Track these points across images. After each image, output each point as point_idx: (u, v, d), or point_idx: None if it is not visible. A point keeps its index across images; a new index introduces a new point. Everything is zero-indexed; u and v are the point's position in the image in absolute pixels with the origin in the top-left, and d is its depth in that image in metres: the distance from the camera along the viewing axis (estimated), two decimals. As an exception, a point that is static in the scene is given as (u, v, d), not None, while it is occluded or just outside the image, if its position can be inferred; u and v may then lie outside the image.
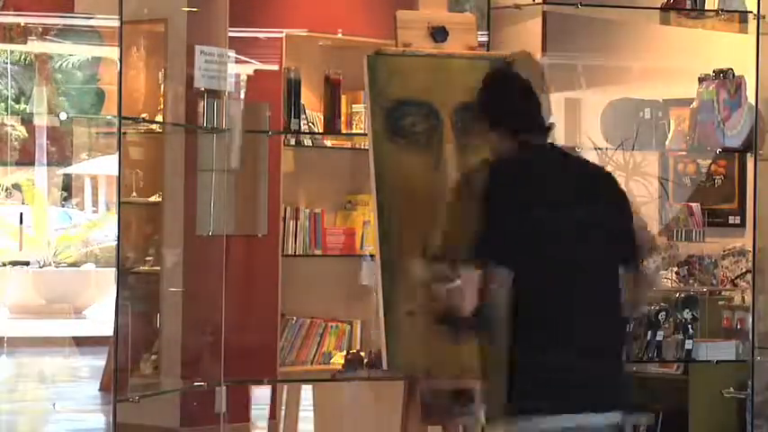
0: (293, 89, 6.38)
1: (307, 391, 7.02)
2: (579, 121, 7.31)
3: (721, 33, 6.41)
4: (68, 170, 19.98)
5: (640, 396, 6.72)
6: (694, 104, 6.31)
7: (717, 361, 5.98)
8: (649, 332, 5.83)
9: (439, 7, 6.71)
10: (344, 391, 6.87)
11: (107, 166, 15.06)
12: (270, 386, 6.81)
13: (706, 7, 6.27)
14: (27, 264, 15.29)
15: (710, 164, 7.18)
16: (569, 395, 3.65)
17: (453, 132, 4.73)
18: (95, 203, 20.38)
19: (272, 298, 6.49)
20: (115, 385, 6.05)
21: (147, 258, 6.84)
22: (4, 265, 14.90)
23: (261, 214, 6.47)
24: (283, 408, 6.99)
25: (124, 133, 6.27)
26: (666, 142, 6.57)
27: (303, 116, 6.47)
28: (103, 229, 16.85)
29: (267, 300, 6.50)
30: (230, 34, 6.36)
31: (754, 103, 6.20)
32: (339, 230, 6.71)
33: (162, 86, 6.67)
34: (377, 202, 4.63)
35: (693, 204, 6.54)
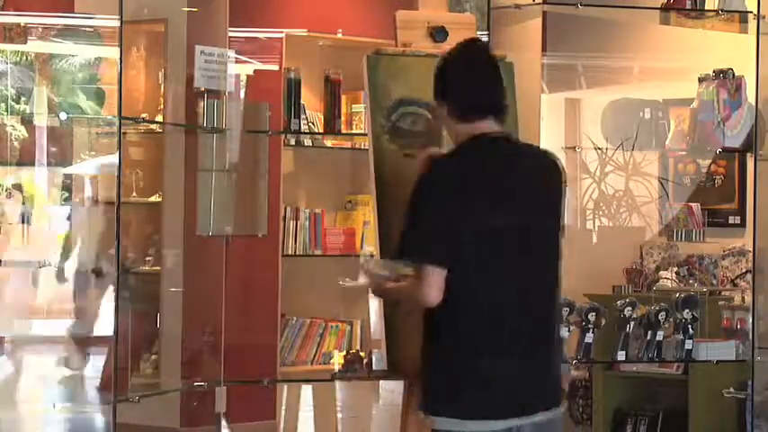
0: (293, 89, 6.38)
1: (307, 391, 7.02)
2: (579, 121, 7.31)
3: (721, 33, 6.40)
4: (68, 170, 19.96)
5: (640, 396, 6.76)
6: (694, 104, 6.31)
7: (717, 361, 5.98)
8: (649, 332, 5.83)
9: (439, 7, 6.70)
10: (344, 391, 6.88)
11: (107, 166, 15.03)
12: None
13: (706, 7, 6.27)
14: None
15: (710, 164, 7.18)
16: (519, 398, 3.65)
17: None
18: (96, 204, 20.35)
19: (272, 298, 6.49)
20: (115, 385, 6.05)
21: (147, 258, 6.84)
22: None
23: (261, 214, 6.47)
24: (283, 408, 7.00)
25: (124, 133, 6.26)
26: (666, 142, 6.57)
27: (303, 116, 6.48)
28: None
29: (267, 300, 6.50)
30: (230, 34, 6.36)
31: (754, 103, 6.20)
32: (339, 230, 6.71)
33: (162, 86, 6.68)
34: (377, 202, 4.63)
35: (693, 204, 6.54)
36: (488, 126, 3.75)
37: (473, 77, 3.79)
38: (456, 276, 3.63)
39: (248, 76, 6.87)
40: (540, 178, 3.78)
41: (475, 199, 3.65)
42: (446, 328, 3.67)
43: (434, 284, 3.63)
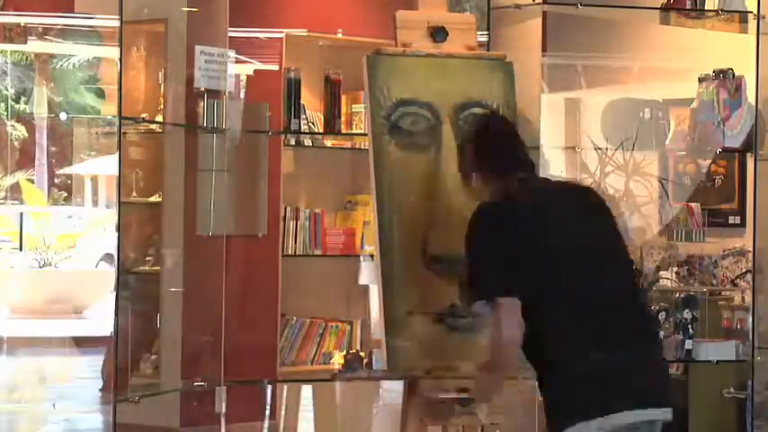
0: (293, 89, 6.38)
1: (307, 391, 7.02)
2: (579, 121, 7.31)
3: (721, 33, 6.41)
4: (68, 170, 19.99)
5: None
6: (694, 104, 6.31)
7: (717, 361, 5.98)
8: (649, 332, 5.82)
9: (439, 7, 6.71)
10: (344, 391, 6.88)
11: (107, 166, 15.06)
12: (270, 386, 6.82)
13: (706, 7, 6.27)
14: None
15: (710, 164, 7.18)
16: (635, 391, 3.88)
17: (453, 132, 4.73)
18: (95, 203, 20.38)
19: (272, 298, 6.49)
20: (115, 385, 6.05)
21: (147, 258, 6.84)
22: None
23: (261, 214, 6.47)
24: (283, 408, 7.00)
25: (124, 133, 6.27)
26: (666, 142, 6.57)
27: (303, 116, 6.48)
28: (104, 229, 16.85)
29: (267, 300, 6.50)
30: (230, 34, 6.36)
31: (754, 103, 6.20)
32: (339, 230, 6.71)
33: (162, 86, 6.67)
34: (377, 202, 4.63)
35: (693, 204, 6.54)
36: (523, 176, 4.07)
37: (501, 143, 4.18)
38: (537, 303, 3.77)
39: (248, 76, 6.87)
40: (584, 202, 4.04)
41: (533, 228, 3.85)
42: (551, 353, 3.78)
43: (512, 316, 3.75)
